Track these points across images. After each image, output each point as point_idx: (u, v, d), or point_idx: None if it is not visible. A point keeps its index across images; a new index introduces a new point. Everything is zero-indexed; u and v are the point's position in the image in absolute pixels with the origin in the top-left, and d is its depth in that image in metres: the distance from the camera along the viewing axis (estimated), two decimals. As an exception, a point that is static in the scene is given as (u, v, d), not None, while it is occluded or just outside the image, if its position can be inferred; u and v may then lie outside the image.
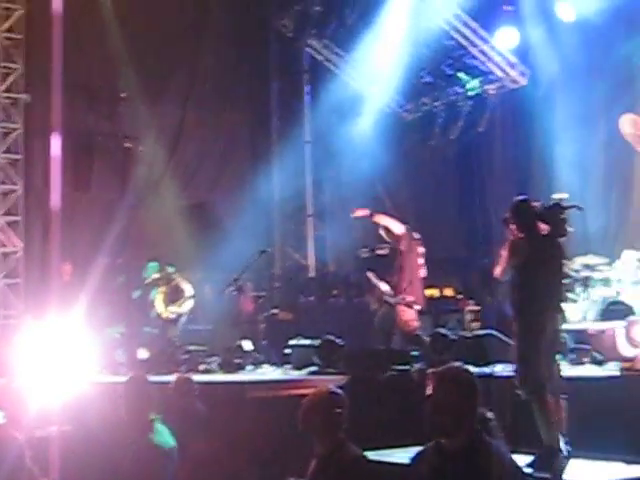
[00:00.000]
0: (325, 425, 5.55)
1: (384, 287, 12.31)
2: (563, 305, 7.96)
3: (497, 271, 7.88)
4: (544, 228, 7.73)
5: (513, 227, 7.77)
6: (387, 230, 12.34)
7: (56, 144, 5.87)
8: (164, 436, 6.91)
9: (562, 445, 7.29)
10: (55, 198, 5.80)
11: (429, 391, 4.74)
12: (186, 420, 8.01)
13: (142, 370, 10.58)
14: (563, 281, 8.09)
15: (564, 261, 8.00)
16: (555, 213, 7.93)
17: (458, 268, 17.00)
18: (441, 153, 18.97)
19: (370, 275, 12.84)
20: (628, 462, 7.09)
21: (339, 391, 5.78)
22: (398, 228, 12.24)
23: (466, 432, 4.60)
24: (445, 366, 4.93)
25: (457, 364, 5.13)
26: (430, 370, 5.05)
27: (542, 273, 7.48)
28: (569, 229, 8.10)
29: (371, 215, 12.53)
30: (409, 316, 12.06)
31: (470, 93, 17.93)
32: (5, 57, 16.14)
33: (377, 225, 12.59)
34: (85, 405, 9.26)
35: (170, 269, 14.90)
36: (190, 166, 18.72)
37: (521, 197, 8.05)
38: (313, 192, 20.01)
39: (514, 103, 17.31)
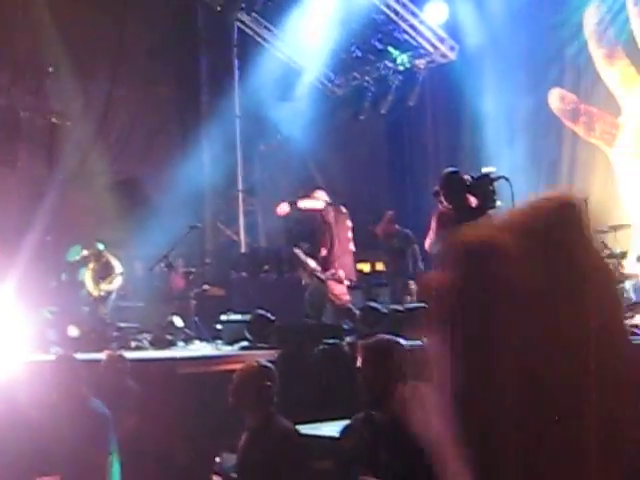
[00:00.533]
0: (255, 399, 5.56)
1: (312, 263, 12.33)
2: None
3: (427, 243, 7.92)
4: (473, 201, 7.78)
5: (443, 199, 7.81)
6: (310, 210, 12.36)
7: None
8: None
9: None
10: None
11: (359, 363, 4.75)
12: (118, 398, 7.96)
13: (73, 348, 10.49)
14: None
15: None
16: (484, 185, 7.98)
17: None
18: (372, 128, 19.02)
19: (297, 252, 12.84)
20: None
21: (269, 365, 5.79)
22: (318, 204, 12.26)
23: (395, 403, 4.62)
24: (373, 338, 4.95)
25: (386, 336, 5.16)
26: (360, 342, 5.05)
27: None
28: (498, 202, 8.15)
29: (293, 206, 12.52)
30: (340, 290, 12.11)
31: (400, 67, 17.96)
32: None
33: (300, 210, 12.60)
34: (15, 385, 9.14)
35: (99, 246, 14.75)
36: (118, 141, 18.47)
37: (451, 169, 8.08)
38: (243, 167, 19.88)
39: (444, 77, 17.37)
